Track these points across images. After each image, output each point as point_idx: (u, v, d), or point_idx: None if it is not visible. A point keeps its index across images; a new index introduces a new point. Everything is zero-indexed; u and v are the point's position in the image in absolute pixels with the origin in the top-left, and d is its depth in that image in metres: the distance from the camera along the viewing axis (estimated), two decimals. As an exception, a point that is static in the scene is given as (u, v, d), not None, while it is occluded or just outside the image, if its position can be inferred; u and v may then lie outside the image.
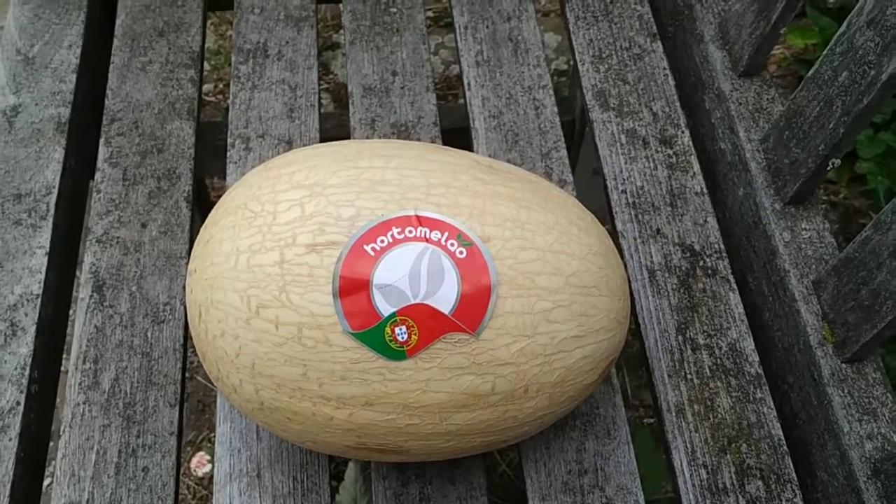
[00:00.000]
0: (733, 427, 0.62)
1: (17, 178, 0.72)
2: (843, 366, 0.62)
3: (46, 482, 0.98)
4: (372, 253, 0.43)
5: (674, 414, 0.63)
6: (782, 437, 0.62)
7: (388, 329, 0.43)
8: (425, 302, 0.43)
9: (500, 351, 0.44)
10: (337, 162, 0.48)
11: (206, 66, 1.44)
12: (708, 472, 0.60)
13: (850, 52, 0.60)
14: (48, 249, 0.68)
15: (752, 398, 0.63)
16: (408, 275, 0.43)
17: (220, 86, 1.42)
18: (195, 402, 1.16)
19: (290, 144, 0.75)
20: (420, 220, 0.44)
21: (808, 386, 0.63)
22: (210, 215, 0.51)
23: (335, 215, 0.44)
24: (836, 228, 1.25)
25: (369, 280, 0.43)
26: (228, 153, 0.74)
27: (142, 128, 0.76)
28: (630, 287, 0.68)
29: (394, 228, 0.43)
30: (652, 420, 1.12)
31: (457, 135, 0.86)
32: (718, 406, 0.63)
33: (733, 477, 0.60)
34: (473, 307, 0.43)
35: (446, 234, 0.44)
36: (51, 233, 0.69)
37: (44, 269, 0.67)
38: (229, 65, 0.80)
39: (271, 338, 0.44)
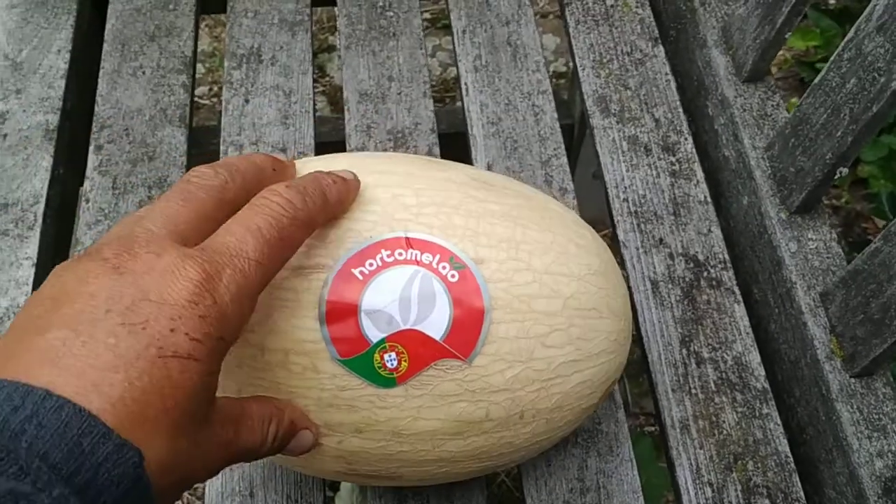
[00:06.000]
0: (739, 444, 0.60)
1: (3, 187, 0.70)
2: (852, 380, 0.60)
3: None
4: (360, 277, 0.41)
5: (678, 430, 0.61)
6: (789, 454, 0.60)
7: (377, 356, 0.41)
8: (416, 328, 0.41)
9: (493, 377, 0.42)
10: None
11: (201, 68, 1.42)
12: (713, 491, 0.59)
13: (859, 58, 0.58)
14: (35, 261, 0.67)
15: (758, 414, 0.61)
16: (398, 299, 0.41)
17: (215, 88, 1.40)
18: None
19: (284, 152, 0.74)
20: (410, 243, 0.42)
21: (815, 400, 0.62)
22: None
23: (322, 237, 0.42)
24: (838, 233, 1.23)
25: (357, 305, 0.41)
26: (220, 161, 0.72)
27: (132, 135, 0.74)
28: (632, 299, 0.66)
29: (383, 251, 0.41)
30: (653, 428, 1.10)
31: (455, 139, 0.84)
32: (724, 422, 0.61)
33: (739, 495, 0.59)
34: (465, 333, 0.41)
35: (438, 257, 0.42)
36: (38, 243, 0.68)
37: (31, 280, 0.66)
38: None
39: (256, 364, 0.42)
